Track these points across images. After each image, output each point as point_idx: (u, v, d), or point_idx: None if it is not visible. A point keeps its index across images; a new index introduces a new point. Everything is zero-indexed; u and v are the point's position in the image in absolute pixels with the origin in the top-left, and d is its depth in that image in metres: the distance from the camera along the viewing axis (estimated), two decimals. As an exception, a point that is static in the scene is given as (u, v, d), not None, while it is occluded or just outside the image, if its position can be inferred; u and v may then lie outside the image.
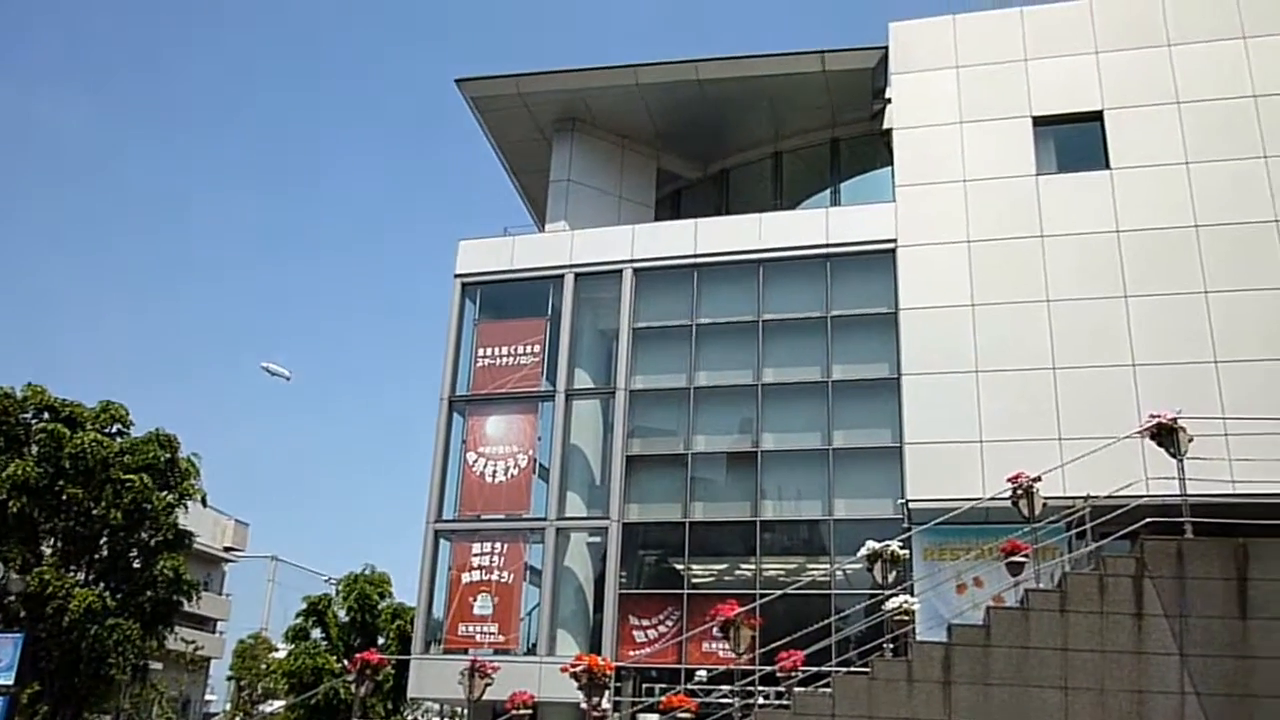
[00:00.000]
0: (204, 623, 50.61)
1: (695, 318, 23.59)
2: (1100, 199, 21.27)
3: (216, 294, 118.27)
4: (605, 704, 11.88)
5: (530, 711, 12.45)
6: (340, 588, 33.97)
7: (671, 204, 28.79)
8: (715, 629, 12.66)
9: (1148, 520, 11.30)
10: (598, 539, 23.21)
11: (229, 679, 45.91)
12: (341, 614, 33.11)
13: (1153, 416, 11.38)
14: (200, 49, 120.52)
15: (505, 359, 24.68)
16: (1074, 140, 22.15)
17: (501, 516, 23.71)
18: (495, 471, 23.90)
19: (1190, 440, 11.29)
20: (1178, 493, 11.02)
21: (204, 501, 26.80)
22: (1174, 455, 11.19)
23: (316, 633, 32.98)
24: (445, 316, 25.19)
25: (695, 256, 23.80)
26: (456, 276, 25.42)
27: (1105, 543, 12.38)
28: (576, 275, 24.60)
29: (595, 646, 21.58)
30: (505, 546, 23.41)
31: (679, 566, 22.60)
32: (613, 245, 24.58)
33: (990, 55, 22.88)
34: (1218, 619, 10.59)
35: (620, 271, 24.25)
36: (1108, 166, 21.55)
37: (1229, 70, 21.53)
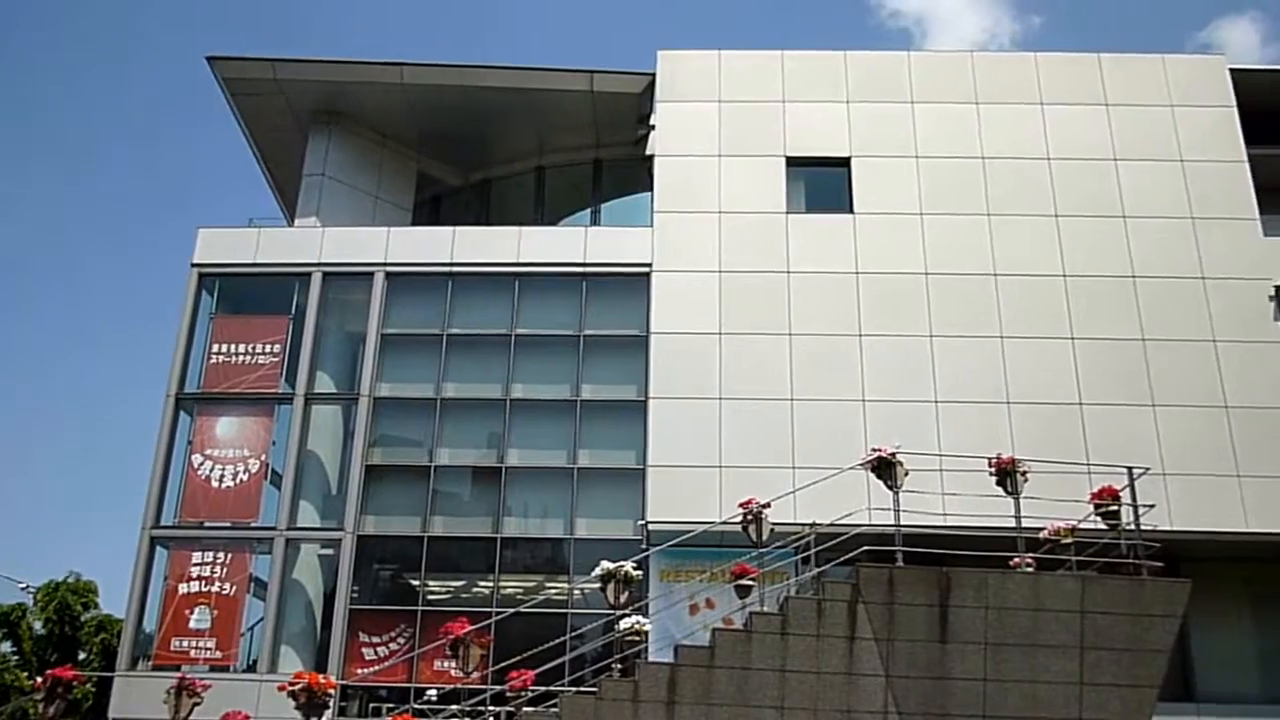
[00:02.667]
0: None
1: (447, 327, 23.08)
2: (843, 240, 22.49)
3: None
4: (326, 724, 11.24)
5: (243, 733, 11.62)
6: (38, 596, 30.98)
7: (430, 209, 28.17)
8: (446, 647, 12.30)
9: (865, 548, 11.84)
10: (330, 551, 22.19)
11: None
12: (38, 625, 30.20)
13: (874, 450, 11.99)
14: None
15: (242, 357, 23.28)
16: (823, 182, 23.36)
17: (227, 524, 22.27)
18: (223, 476, 22.44)
19: (906, 474, 11.95)
20: (893, 523, 11.62)
21: None
22: (890, 488, 11.82)
23: (6, 646, 29.91)
24: (177, 307, 23.53)
25: (451, 265, 23.32)
26: (193, 266, 23.77)
27: (827, 568, 12.90)
28: (325, 274, 23.56)
29: (322, 664, 20.59)
30: (229, 556, 21.98)
31: (415, 582, 21.95)
32: (365, 246, 23.72)
33: (751, 93, 23.80)
34: (921, 643, 11.21)
35: (372, 274, 23.41)
36: (851, 210, 22.83)
37: (962, 132, 23.36)
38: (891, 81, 23.93)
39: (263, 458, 22.55)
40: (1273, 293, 21.89)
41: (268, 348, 23.25)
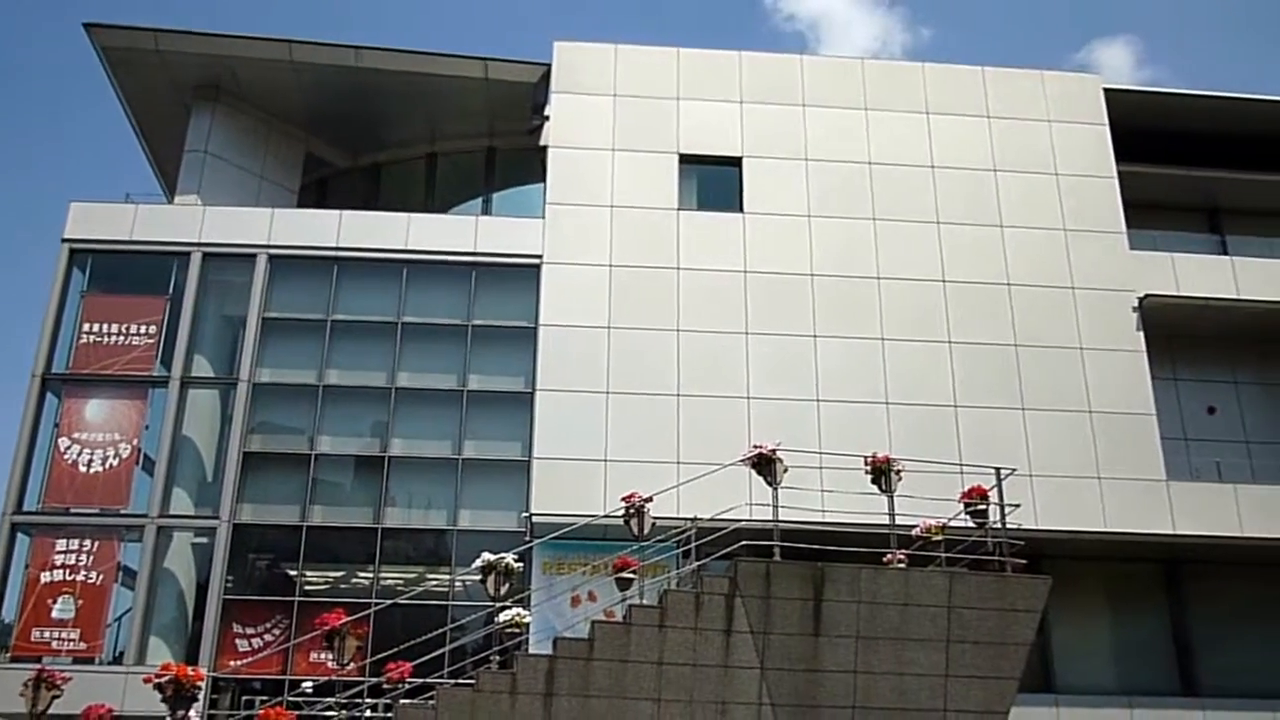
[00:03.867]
0: None
1: (331, 313, 22.59)
2: (732, 239, 22.79)
3: None
4: (194, 716, 10.96)
5: (107, 727, 11.24)
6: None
7: (317, 192, 27.52)
8: (322, 638, 12.11)
9: (744, 543, 12.06)
10: (205, 540, 21.54)
11: None
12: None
13: (755, 447, 12.21)
14: None
15: (115, 338, 22.41)
16: (714, 181, 23.61)
17: (95, 511, 21.43)
18: (92, 461, 21.59)
19: (786, 470, 12.21)
20: (771, 518, 11.85)
21: None
22: (770, 484, 12.06)
23: None
24: (47, 284, 22.53)
25: (337, 249, 22.84)
26: (64, 241, 22.75)
27: (707, 562, 13.11)
28: (205, 255, 22.81)
29: (193, 656, 19.99)
30: (96, 544, 21.17)
31: (292, 572, 21.48)
32: (249, 227, 23.04)
33: (646, 89, 23.91)
34: (795, 636, 11.47)
35: (254, 256, 22.76)
36: (742, 210, 23.14)
37: (850, 136, 23.89)
38: (784, 84, 24.33)
39: (135, 442, 21.78)
40: (1136, 304, 22.98)
41: (143, 329, 22.44)
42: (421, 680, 12.17)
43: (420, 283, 22.83)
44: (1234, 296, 23.56)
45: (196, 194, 24.41)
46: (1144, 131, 25.12)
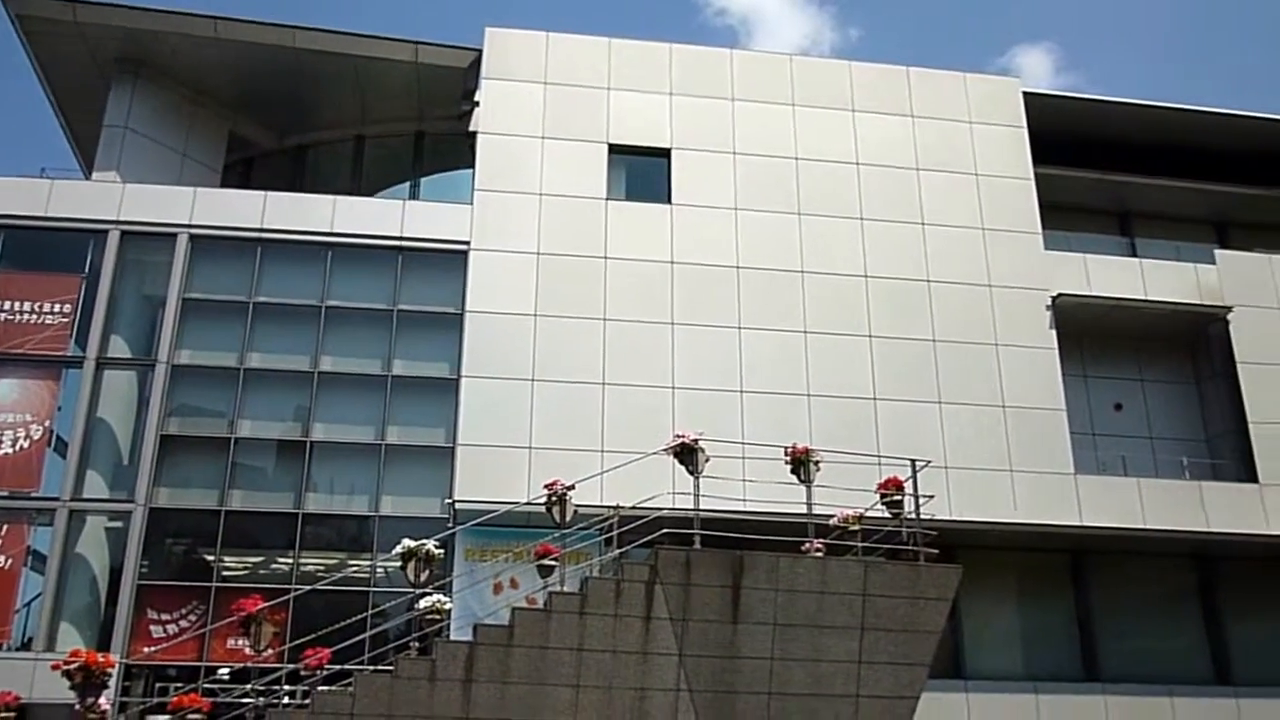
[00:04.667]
0: None
1: (254, 295, 22.23)
2: (660, 230, 22.94)
3: None
4: (104, 704, 10.82)
5: (14, 714, 11.05)
6: None
7: (242, 171, 27.03)
8: (239, 624, 12.02)
9: (665, 531, 12.24)
10: (119, 524, 21.11)
11: None
12: None
13: (677, 436, 12.40)
14: None
15: (27, 316, 21.81)
16: (643, 171, 23.73)
17: (4, 494, 20.88)
18: (1, 442, 21.02)
19: (707, 460, 12.40)
20: (692, 507, 12.04)
21: None
22: (692, 473, 12.26)
23: None
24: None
25: (261, 230, 22.47)
26: (-27, 216, 22.10)
27: (628, 549, 13.25)
28: (123, 233, 22.27)
29: (105, 642, 19.60)
30: (5, 528, 20.65)
31: (210, 558, 21.16)
32: (169, 206, 22.54)
33: (577, 77, 23.92)
34: (714, 623, 11.68)
35: (175, 235, 22.29)
36: (670, 201, 23.30)
37: (778, 131, 24.19)
38: (714, 77, 24.52)
39: (46, 424, 21.24)
40: (1050, 302, 23.67)
41: (57, 307, 21.87)
42: (340, 667, 12.13)
43: (345, 266, 22.59)
44: (1142, 297, 24.42)
45: (115, 170, 23.82)
46: (1060, 135, 25.88)
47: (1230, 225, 28.83)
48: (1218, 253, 25.40)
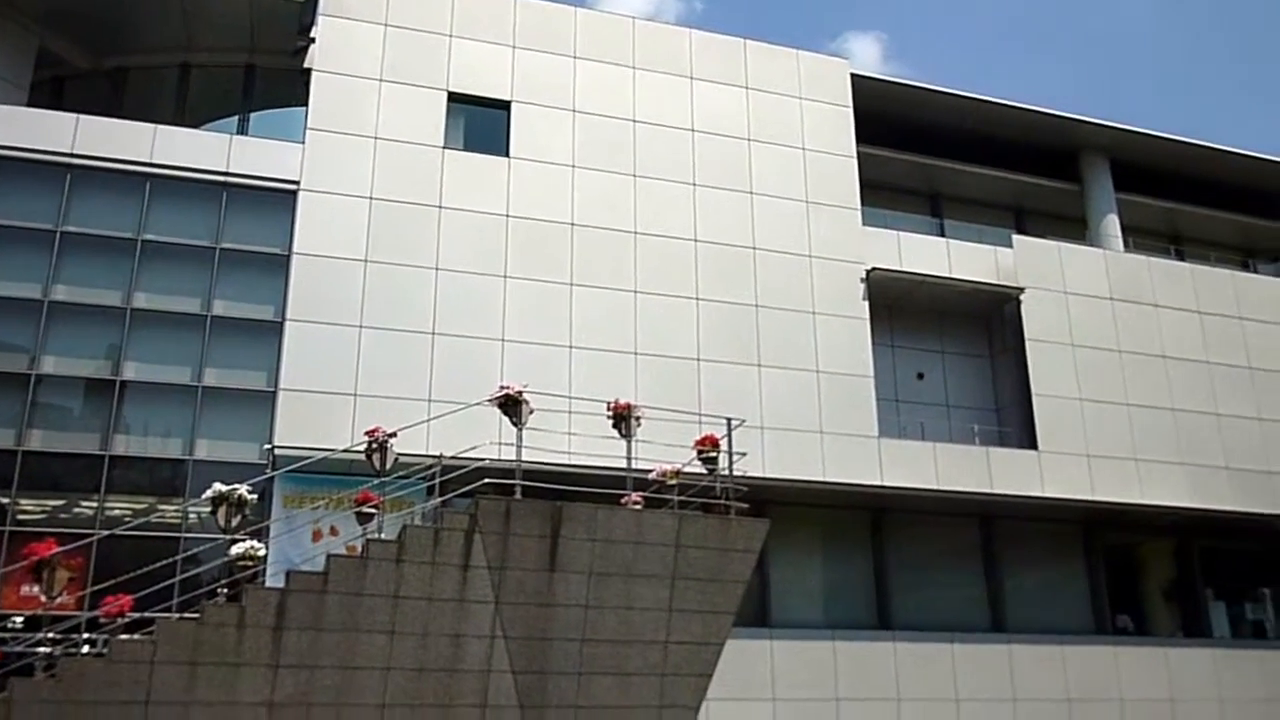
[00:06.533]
0: None
1: (62, 224, 21.03)
2: (497, 182, 22.91)
3: None
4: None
5: None
6: None
7: (51, 91, 25.27)
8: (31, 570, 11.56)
9: (488, 481, 12.50)
10: (-99, 463, 19.82)
11: None
12: None
13: (502, 388, 12.62)
14: None
15: None
16: (482, 123, 23.58)
17: None
18: None
19: (532, 412, 12.68)
20: (514, 458, 12.33)
21: None
22: (515, 424, 12.53)
23: None
24: None
25: (72, 156, 21.22)
26: None
27: (450, 498, 13.47)
28: (-88, 150, 20.71)
29: (-119, 588, 18.47)
30: None
31: (4, 500, 20.12)
32: (-34, 123, 21.05)
33: (418, 22, 23.48)
34: (531, 571, 12.03)
35: (-28, 156, 20.86)
36: (508, 154, 23.28)
37: (618, 93, 24.44)
38: (558, 33, 24.51)
39: None
40: (864, 275, 24.93)
41: None
42: (140, 614, 11.81)
43: (165, 199, 21.60)
44: (947, 275, 26.02)
45: (-95, 82, 22.03)
46: (882, 118, 27.15)
47: (1028, 213, 31.03)
48: (1015, 238, 27.26)
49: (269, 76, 25.06)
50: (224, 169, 21.86)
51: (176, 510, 20.34)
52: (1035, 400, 25.27)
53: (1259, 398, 27.56)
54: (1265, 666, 25.73)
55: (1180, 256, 30.72)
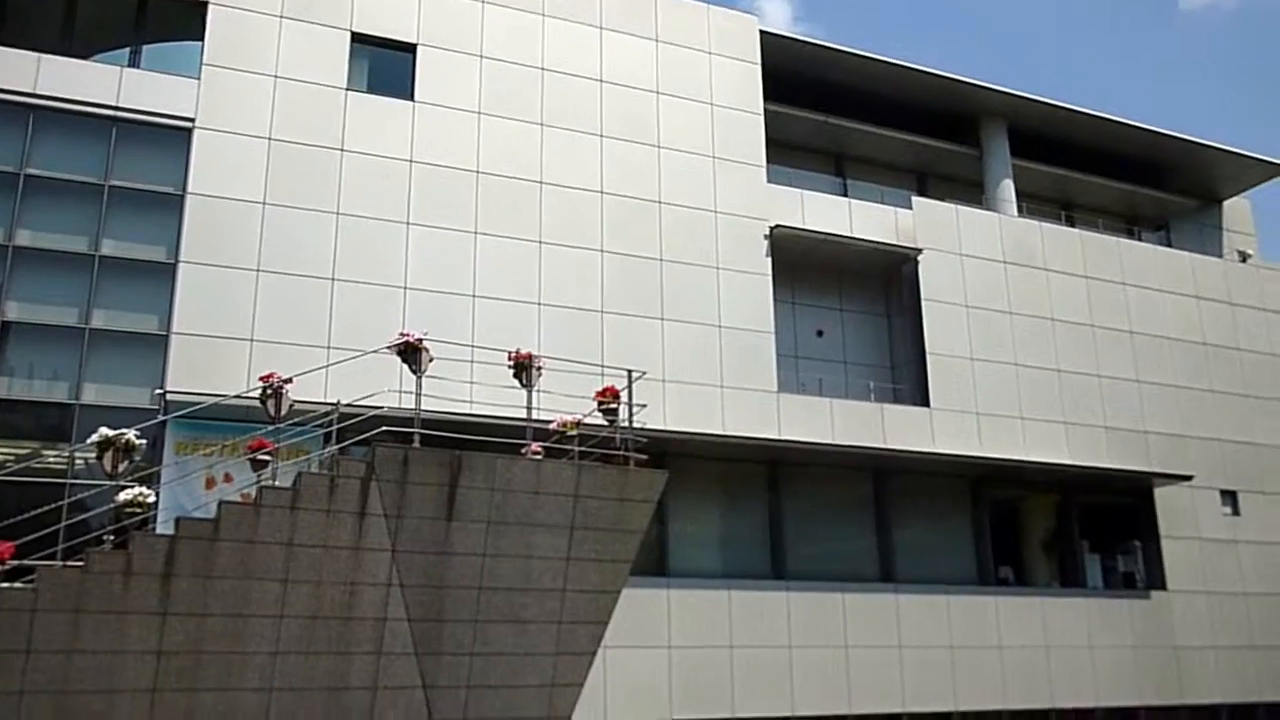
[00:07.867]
0: None
1: (-66, 156, 20.07)
2: (401, 127, 22.51)
3: None
4: None
5: None
6: None
7: (-75, 15, 23.93)
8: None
9: (386, 429, 12.43)
10: None
11: None
12: None
13: (401, 335, 12.52)
14: None
15: None
16: (387, 66, 23.07)
17: None
18: None
19: (431, 360, 12.59)
20: (413, 406, 12.28)
21: None
22: (415, 372, 12.45)
23: None
24: None
25: (-52, 85, 20.21)
26: None
27: (347, 445, 13.36)
28: None
29: None
30: None
31: (-128, 443, 19.30)
32: None
33: (321, -42, 22.79)
34: (428, 520, 12.04)
35: None
36: (413, 98, 22.86)
37: (526, 40, 24.14)
38: (466, -24, 24.04)
39: None
40: (768, 232, 25.23)
41: None
42: (20, 562, 11.49)
43: (50, 133, 20.68)
44: (849, 234, 26.50)
45: None
46: (789, 76, 27.36)
47: (929, 175, 31.69)
48: (914, 200, 27.87)
49: (162, 7, 23.97)
50: (114, 103, 21.03)
51: (62, 456, 19.74)
52: (929, 359, 26.01)
53: (1137, 360, 28.83)
54: (1134, 615, 27.15)
55: (1070, 223, 31.76)
